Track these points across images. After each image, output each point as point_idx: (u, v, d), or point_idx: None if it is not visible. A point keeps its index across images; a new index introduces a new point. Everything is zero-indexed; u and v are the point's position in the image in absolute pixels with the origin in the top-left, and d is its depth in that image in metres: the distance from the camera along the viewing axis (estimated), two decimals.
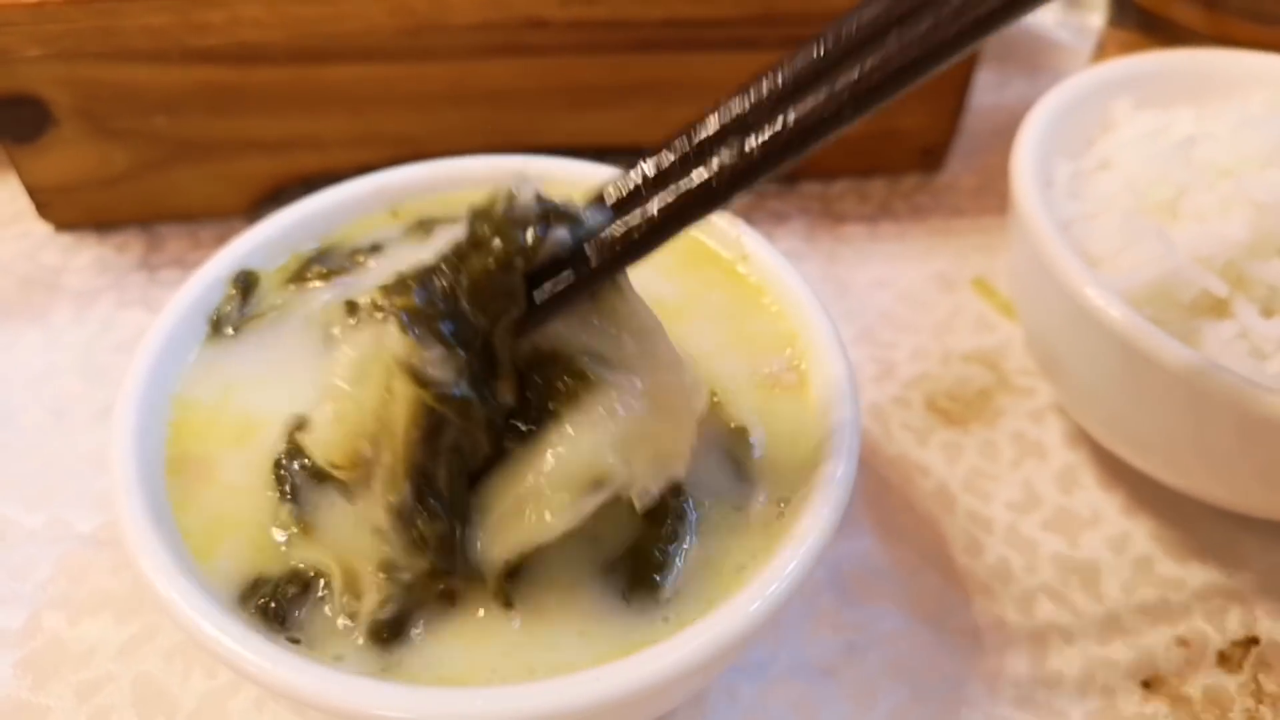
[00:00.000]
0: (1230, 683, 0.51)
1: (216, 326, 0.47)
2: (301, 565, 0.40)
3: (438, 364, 0.32)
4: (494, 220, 0.33)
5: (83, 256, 0.71)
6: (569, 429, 0.35)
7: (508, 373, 0.34)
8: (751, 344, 0.48)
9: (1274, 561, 0.56)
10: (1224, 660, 0.52)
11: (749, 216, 0.76)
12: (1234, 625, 0.53)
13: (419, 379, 0.33)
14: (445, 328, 0.32)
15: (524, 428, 0.35)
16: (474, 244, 0.33)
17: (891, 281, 0.71)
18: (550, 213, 0.34)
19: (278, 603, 0.38)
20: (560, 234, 0.33)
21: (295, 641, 0.38)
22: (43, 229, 0.73)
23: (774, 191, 0.76)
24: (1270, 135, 0.54)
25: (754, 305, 0.49)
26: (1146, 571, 0.55)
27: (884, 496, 0.58)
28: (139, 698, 0.49)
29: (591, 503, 0.35)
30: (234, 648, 0.36)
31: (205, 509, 0.41)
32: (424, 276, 0.33)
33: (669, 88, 0.70)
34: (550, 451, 0.35)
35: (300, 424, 0.39)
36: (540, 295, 0.34)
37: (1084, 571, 0.55)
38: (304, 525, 0.40)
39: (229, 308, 0.48)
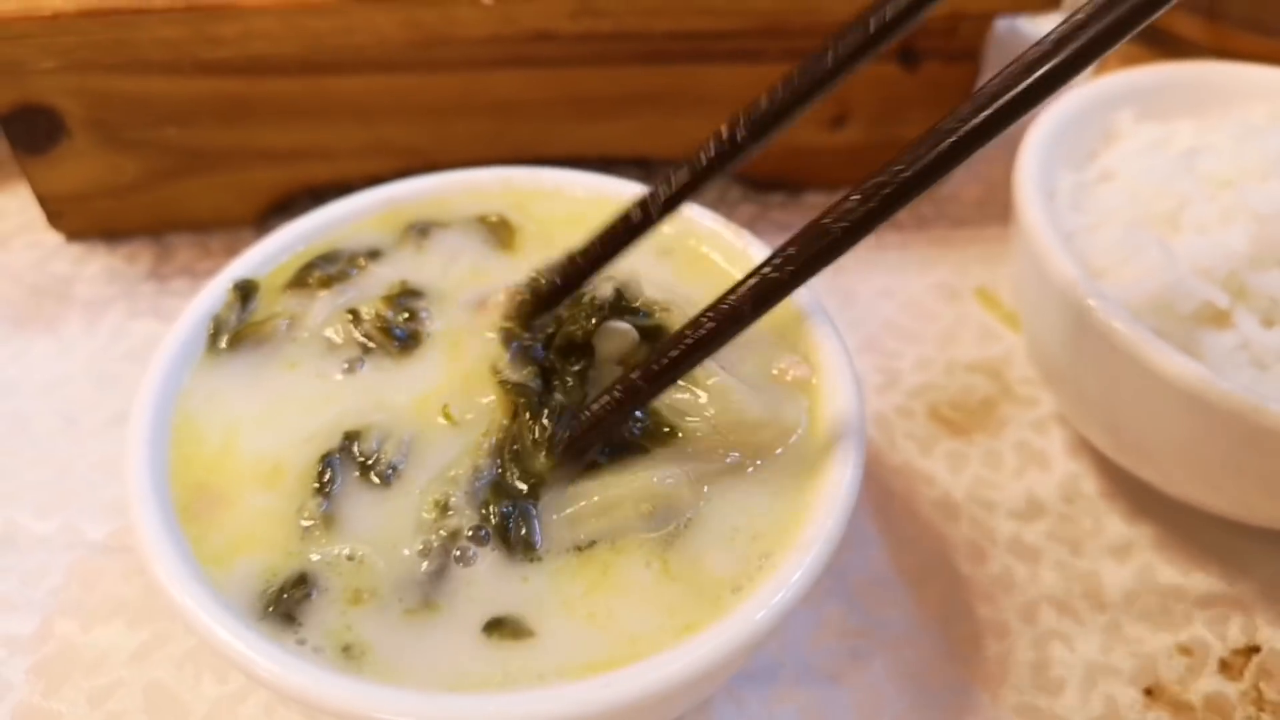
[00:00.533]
0: (1232, 690, 0.51)
1: (216, 335, 0.48)
2: (316, 562, 0.40)
3: (513, 369, 0.46)
4: (575, 307, 0.46)
5: (93, 266, 0.72)
6: (655, 461, 0.43)
7: (563, 395, 0.45)
8: (762, 346, 0.48)
9: (1275, 570, 0.56)
10: (1225, 668, 0.52)
11: (754, 228, 0.76)
12: (1235, 633, 0.54)
13: (498, 374, 0.46)
14: (528, 352, 0.46)
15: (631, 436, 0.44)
16: (563, 348, 0.46)
17: (896, 291, 0.71)
18: (616, 305, 0.46)
19: (289, 603, 0.39)
20: (619, 323, 0.45)
21: (302, 643, 0.38)
22: (54, 239, 0.74)
23: (779, 203, 0.77)
24: (1271, 147, 0.55)
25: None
26: (1148, 580, 0.56)
27: (889, 505, 0.59)
28: (150, 703, 0.49)
29: (663, 524, 0.42)
30: (246, 652, 0.36)
31: (222, 521, 0.42)
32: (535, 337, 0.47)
33: (675, 99, 0.71)
34: (638, 473, 0.43)
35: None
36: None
37: (1086, 580, 0.56)
38: (328, 518, 0.41)
39: (228, 315, 0.49)
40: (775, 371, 0.47)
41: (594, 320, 0.45)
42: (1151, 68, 0.64)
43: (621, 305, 0.46)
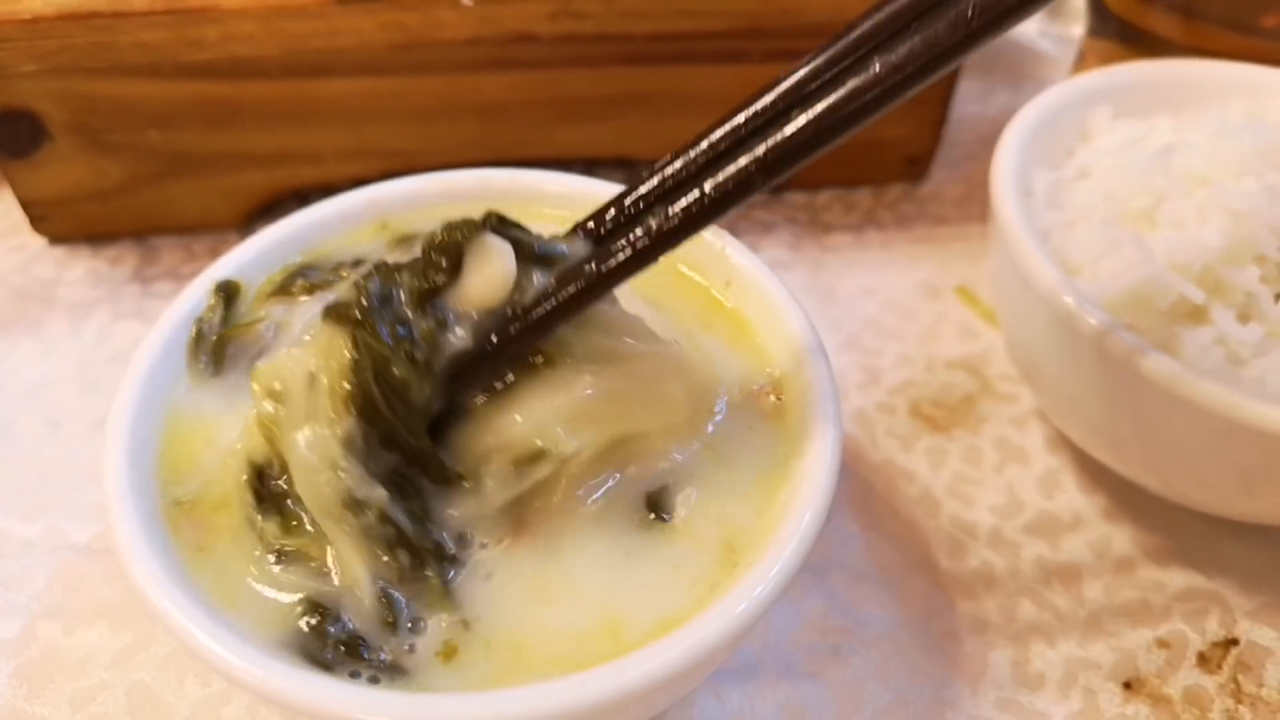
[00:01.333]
0: (1210, 683, 0.52)
1: (198, 339, 0.48)
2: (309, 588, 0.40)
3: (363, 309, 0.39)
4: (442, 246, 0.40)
5: (77, 269, 0.72)
6: (524, 400, 0.41)
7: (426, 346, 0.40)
8: (737, 352, 0.48)
9: (1252, 563, 0.57)
10: (1204, 661, 0.53)
11: (734, 227, 0.77)
12: (1213, 626, 0.54)
13: (338, 313, 0.40)
14: (377, 299, 0.40)
15: (498, 385, 0.41)
16: (426, 252, 0.40)
17: (877, 290, 0.72)
18: (501, 220, 0.41)
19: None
20: (497, 240, 0.40)
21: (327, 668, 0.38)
22: (37, 242, 0.74)
23: (760, 202, 0.77)
24: (1246, 144, 0.55)
25: (737, 320, 0.50)
26: (1127, 574, 0.56)
27: (869, 502, 0.59)
28: (133, 706, 0.50)
29: (532, 476, 0.40)
30: (227, 657, 0.36)
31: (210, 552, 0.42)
32: (381, 269, 0.40)
33: (657, 100, 0.71)
34: (504, 417, 0.40)
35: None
36: (537, 313, 0.40)
37: (1065, 574, 0.56)
38: (290, 527, 0.41)
39: (211, 316, 0.48)
40: (754, 389, 0.46)
41: (468, 230, 0.40)
42: (1128, 65, 0.65)
43: (507, 223, 0.41)
